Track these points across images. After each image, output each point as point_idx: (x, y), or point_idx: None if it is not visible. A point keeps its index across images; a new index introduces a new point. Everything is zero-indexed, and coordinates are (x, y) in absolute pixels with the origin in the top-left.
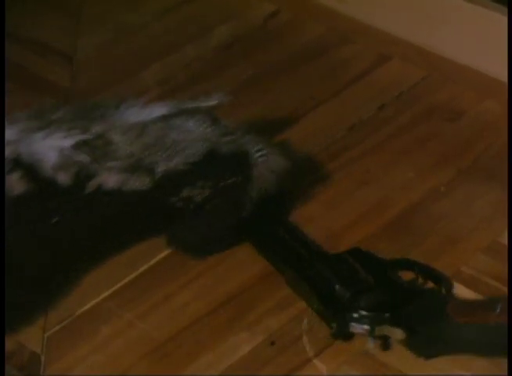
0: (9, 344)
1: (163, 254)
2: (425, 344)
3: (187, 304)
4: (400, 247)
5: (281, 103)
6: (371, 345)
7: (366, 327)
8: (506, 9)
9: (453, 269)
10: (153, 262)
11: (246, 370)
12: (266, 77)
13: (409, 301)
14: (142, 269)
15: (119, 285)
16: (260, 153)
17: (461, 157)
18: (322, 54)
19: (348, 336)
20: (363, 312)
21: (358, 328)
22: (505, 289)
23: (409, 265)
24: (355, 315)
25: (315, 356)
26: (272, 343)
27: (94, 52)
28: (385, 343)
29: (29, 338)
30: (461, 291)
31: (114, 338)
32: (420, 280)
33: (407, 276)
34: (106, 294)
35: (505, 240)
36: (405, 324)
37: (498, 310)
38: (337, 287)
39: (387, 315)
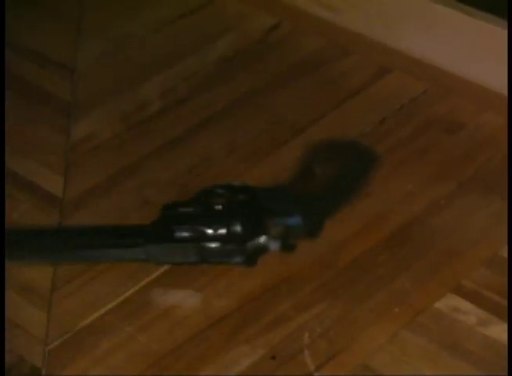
0: (9, 357)
1: (163, 269)
2: None
3: (187, 317)
4: (400, 260)
5: (281, 116)
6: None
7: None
8: (505, 23)
9: (454, 283)
10: (153, 275)
11: None
12: (266, 90)
13: None
14: (142, 283)
15: (120, 299)
16: None
17: (461, 169)
18: (322, 67)
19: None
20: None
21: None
22: (505, 303)
23: None
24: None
25: (315, 370)
26: (273, 357)
27: (94, 63)
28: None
29: (29, 352)
30: (462, 304)
31: (115, 352)
32: None
33: None
34: (107, 307)
35: (505, 253)
36: None
37: None
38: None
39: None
